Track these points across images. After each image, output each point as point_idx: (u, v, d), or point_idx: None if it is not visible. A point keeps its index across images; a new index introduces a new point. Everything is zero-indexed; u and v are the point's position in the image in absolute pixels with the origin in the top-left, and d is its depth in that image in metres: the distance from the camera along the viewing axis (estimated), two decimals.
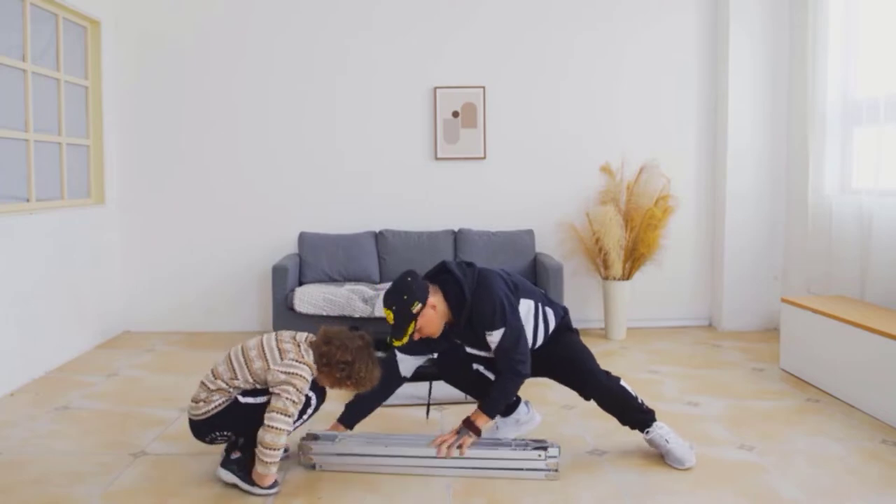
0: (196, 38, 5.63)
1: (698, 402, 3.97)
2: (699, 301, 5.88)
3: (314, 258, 5.35)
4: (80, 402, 4.00)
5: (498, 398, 3.07)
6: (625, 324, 5.50)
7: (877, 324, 3.75)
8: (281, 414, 2.77)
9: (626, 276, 5.46)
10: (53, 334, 4.70)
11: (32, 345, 4.46)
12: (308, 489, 2.90)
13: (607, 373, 3.19)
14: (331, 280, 5.31)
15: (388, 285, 5.15)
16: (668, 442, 3.12)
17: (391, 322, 2.96)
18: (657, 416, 3.21)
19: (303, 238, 5.44)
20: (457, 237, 5.53)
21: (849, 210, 4.63)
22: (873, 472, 3.03)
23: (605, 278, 5.47)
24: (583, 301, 5.72)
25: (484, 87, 5.67)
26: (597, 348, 5.16)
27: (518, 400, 3.37)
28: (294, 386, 2.79)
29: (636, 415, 3.18)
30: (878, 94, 4.43)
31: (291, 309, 4.90)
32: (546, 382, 4.31)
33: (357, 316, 4.84)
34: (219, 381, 2.88)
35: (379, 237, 5.52)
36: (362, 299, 4.90)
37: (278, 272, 4.99)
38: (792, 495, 2.82)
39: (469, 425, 3.01)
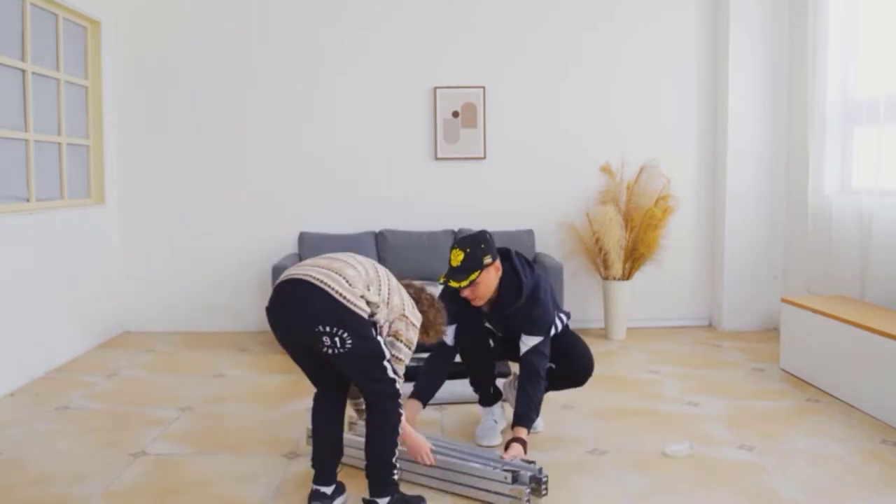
0: (196, 38, 5.62)
1: (698, 402, 3.97)
2: (699, 301, 5.88)
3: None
4: (80, 402, 4.00)
5: (529, 408, 3.12)
6: (625, 324, 5.50)
7: (877, 324, 3.75)
8: (406, 346, 2.68)
9: (626, 276, 5.46)
10: (53, 334, 4.70)
11: (32, 345, 4.46)
12: (308, 489, 2.90)
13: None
14: None
15: None
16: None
17: (457, 263, 3.03)
18: (659, 417, 3.20)
19: (303, 238, 5.44)
20: (456, 236, 5.52)
21: (849, 210, 4.63)
22: (873, 472, 3.03)
23: (605, 278, 5.47)
24: (583, 301, 5.72)
25: (484, 87, 5.67)
26: (597, 348, 5.15)
27: (497, 393, 3.52)
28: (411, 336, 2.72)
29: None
30: (878, 94, 4.42)
31: None
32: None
33: None
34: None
35: (379, 237, 5.52)
36: None
37: (278, 272, 4.99)
38: (792, 495, 2.82)
39: (518, 441, 3.01)
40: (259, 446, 3.35)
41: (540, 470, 2.79)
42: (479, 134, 5.69)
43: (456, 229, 5.60)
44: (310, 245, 5.39)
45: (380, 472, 2.61)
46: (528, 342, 3.16)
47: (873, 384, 3.69)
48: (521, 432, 3.05)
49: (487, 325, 3.35)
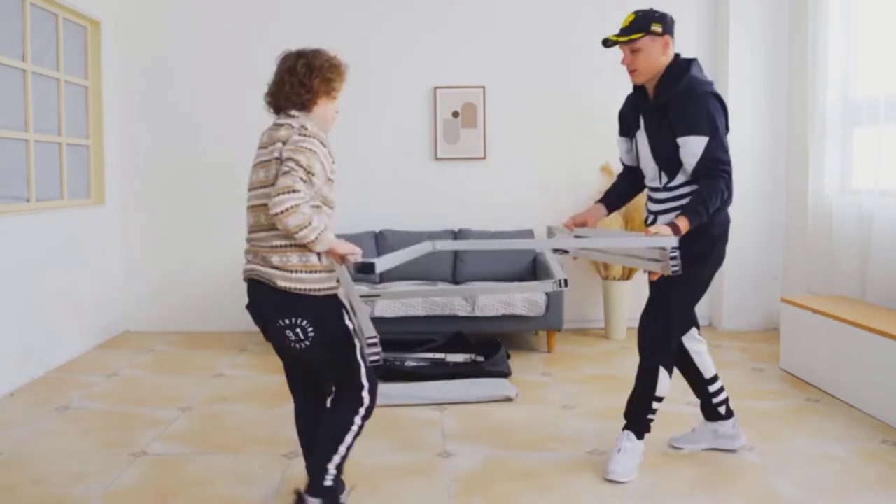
0: (196, 38, 5.62)
1: (698, 402, 3.96)
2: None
3: None
4: (80, 402, 4.00)
5: (695, 203, 2.79)
6: (625, 324, 5.49)
7: (877, 324, 3.75)
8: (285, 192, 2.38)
9: (627, 276, 5.46)
10: (53, 334, 4.70)
11: (32, 345, 4.46)
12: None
13: (666, 355, 3.00)
14: None
15: (387, 286, 5.19)
16: (619, 451, 3.02)
17: (625, 24, 2.90)
18: (659, 417, 3.19)
19: None
20: (457, 237, 5.53)
21: (849, 210, 4.63)
22: (873, 472, 3.03)
23: (606, 278, 5.47)
24: (583, 301, 5.72)
25: (484, 87, 5.67)
26: (597, 348, 5.19)
27: (729, 414, 3.25)
28: (297, 161, 2.46)
29: (638, 413, 3.07)
30: (878, 94, 4.42)
31: None
32: (545, 382, 4.33)
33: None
34: None
35: (379, 237, 5.52)
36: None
37: None
38: (792, 495, 2.82)
39: (671, 225, 2.74)
40: (259, 446, 3.36)
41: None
42: (479, 134, 5.69)
43: (456, 229, 5.60)
44: None
45: (321, 474, 2.48)
46: (688, 149, 2.80)
47: (873, 384, 3.69)
48: (680, 220, 2.75)
49: (646, 145, 3.00)
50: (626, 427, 3.08)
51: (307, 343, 2.46)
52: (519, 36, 5.68)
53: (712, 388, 3.24)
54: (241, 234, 5.88)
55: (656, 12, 2.92)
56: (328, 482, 2.48)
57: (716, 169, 2.80)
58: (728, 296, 5.63)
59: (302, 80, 2.61)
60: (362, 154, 5.70)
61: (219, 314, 5.71)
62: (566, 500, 2.81)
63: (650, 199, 3.10)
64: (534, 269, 5.37)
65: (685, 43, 5.70)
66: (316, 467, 2.51)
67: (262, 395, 4.13)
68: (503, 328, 4.98)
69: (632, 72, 2.96)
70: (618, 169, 5.53)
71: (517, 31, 5.67)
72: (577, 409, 3.85)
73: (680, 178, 2.94)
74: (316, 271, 2.51)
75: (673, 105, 2.88)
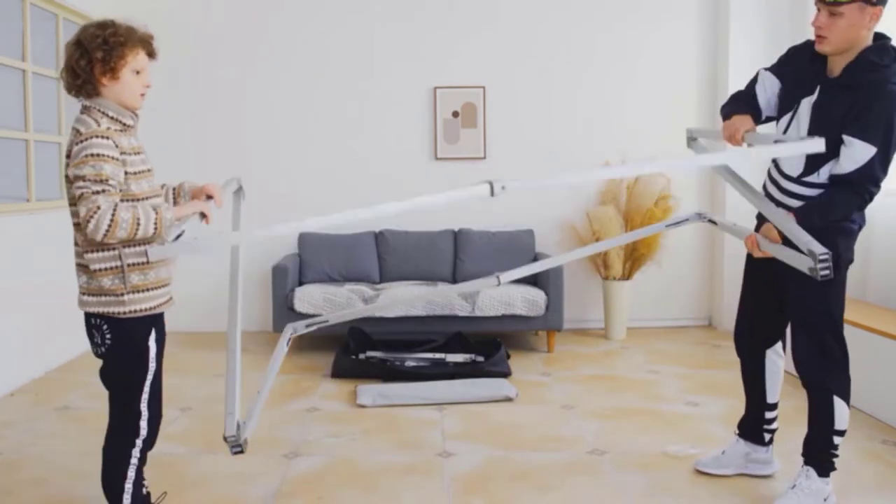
0: (196, 38, 5.62)
1: (698, 402, 3.97)
2: (699, 301, 5.88)
3: (314, 258, 5.35)
4: (80, 402, 4.00)
5: (813, 207, 2.49)
6: (625, 324, 5.50)
7: (877, 324, 3.75)
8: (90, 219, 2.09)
9: (626, 276, 5.46)
10: (53, 334, 4.70)
11: (32, 345, 4.46)
12: (308, 489, 2.90)
13: (838, 380, 2.64)
14: (331, 280, 5.31)
15: (387, 286, 5.19)
16: (793, 488, 2.69)
17: None
18: (659, 417, 3.20)
19: (303, 238, 5.44)
20: (457, 237, 5.53)
21: None
22: (873, 472, 3.03)
23: (605, 278, 5.47)
24: (583, 301, 5.72)
25: (484, 87, 5.67)
26: (597, 348, 5.19)
27: (769, 443, 3.02)
28: (83, 177, 2.13)
29: (817, 451, 2.68)
30: None
31: (291, 309, 4.90)
32: (545, 382, 4.33)
33: (357, 316, 4.84)
34: None
35: (379, 237, 5.52)
36: (362, 299, 4.90)
37: (278, 272, 5.00)
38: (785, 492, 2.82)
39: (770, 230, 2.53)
40: (259, 446, 3.35)
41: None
42: (479, 134, 5.69)
43: (456, 229, 5.60)
44: (310, 245, 5.39)
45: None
46: (853, 149, 2.40)
47: (873, 384, 3.69)
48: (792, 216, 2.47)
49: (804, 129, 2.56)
50: (806, 462, 2.71)
51: (102, 350, 2.26)
52: (519, 36, 5.68)
53: (769, 415, 3.02)
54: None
55: None
56: None
57: (863, 186, 2.45)
58: (728, 295, 5.63)
59: (71, 64, 2.18)
60: (362, 154, 5.70)
61: (219, 314, 5.68)
62: (566, 500, 2.81)
63: (775, 183, 2.69)
64: None
65: (685, 42, 5.72)
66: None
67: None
68: (503, 328, 4.98)
69: (820, 37, 2.45)
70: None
71: (517, 31, 5.67)
72: (576, 409, 3.86)
73: (822, 176, 2.52)
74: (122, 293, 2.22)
75: (858, 95, 2.42)
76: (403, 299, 4.88)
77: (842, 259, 2.53)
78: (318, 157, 5.69)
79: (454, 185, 5.74)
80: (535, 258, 5.42)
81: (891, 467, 3.08)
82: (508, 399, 3.97)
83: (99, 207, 2.06)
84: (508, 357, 4.68)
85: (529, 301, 4.90)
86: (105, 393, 2.36)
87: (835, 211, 2.49)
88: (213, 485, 2.94)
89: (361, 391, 4.02)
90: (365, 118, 5.69)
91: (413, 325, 4.90)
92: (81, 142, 2.15)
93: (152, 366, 2.30)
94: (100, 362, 2.34)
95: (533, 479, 2.98)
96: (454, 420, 3.69)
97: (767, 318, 2.93)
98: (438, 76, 5.68)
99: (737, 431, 3.08)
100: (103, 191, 2.10)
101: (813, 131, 2.51)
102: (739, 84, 5.46)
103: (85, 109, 2.24)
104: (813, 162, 2.51)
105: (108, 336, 2.24)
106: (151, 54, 2.43)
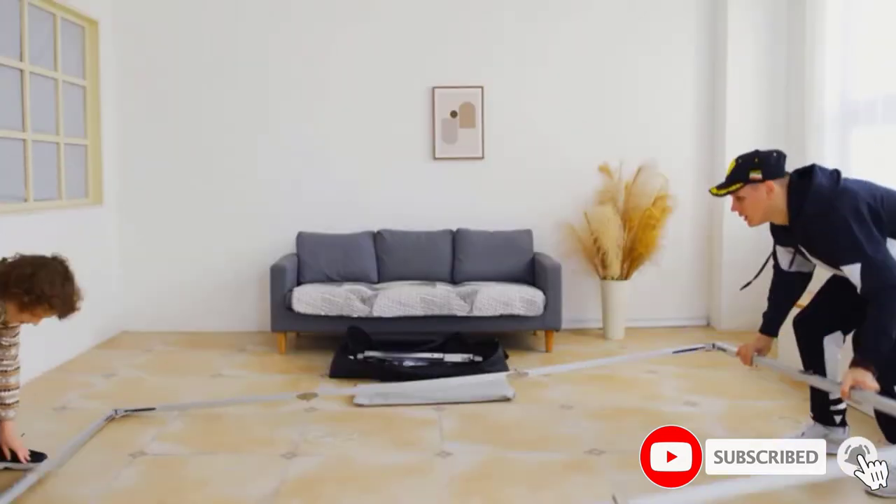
0: (194, 37, 5.62)
1: (697, 402, 3.98)
2: (697, 301, 5.88)
3: (313, 258, 5.35)
4: (78, 402, 3.99)
5: (872, 339, 2.63)
6: (623, 324, 5.50)
7: None
8: None
9: (625, 275, 5.47)
10: (51, 334, 4.67)
11: (30, 345, 4.44)
12: (308, 489, 2.90)
13: None
14: (329, 280, 5.30)
15: (386, 285, 5.19)
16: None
17: (728, 173, 2.86)
18: (657, 417, 3.20)
19: (301, 238, 5.44)
20: (455, 237, 5.53)
21: None
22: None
23: (604, 278, 5.47)
24: (581, 301, 5.72)
25: (482, 87, 5.67)
26: (595, 348, 5.19)
27: (843, 423, 3.11)
28: None
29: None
30: (875, 95, 4.43)
31: (290, 309, 4.90)
32: (543, 382, 4.33)
33: (355, 316, 4.85)
34: None
35: (377, 237, 5.52)
36: (360, 299, 4.90)
37: (277, 272, 4.99)
38: (791, 495, 2.82)
39: (856, 373, 2.62)
40: (258, 446, 3.35)
41: None
42: (477, 134, 5.69)
43: (454, 229, 5.60)
44: (308, 245, 5.39)
45: None
46: (848, 274, 2.66)
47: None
48: (867, 365, 2.60)
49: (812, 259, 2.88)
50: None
51: None
52: (517, 36, 5.68)
53: (832, 395, 3.06)
54: (240, 234, 5.92)
55: (756, 156, 2.83)
56: None
57: (883, 292, 2.59)
58: (726, 295, 5.64)
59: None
60: (360, 154, 5.70)
61: (218, 314, 5.70)
62: (565, 500, 2.81)
63: None
64: (532, 269, 5.37)
65: (684, 43, 5.72)
66: None
67: (261, 395, 4.13)
68: (501, 328, 4.98)
69: (741, 216, 2.88)
70: (616, 168, 5.60)
71: (515, 31, 5.67)
72: (575, 408, 3.86)
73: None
74: None
75: (813, 230, 2.75)
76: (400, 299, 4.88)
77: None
78: (316, 157, 5.68)
79: (453, 185, 5.76)
80: (534, 258, 5.42)
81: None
82: (506, 399, 3.97)
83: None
84: (506, 357, 4.68)
85: (528, 301, 4.90)
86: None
87: (888, 327, 2.61)
88: (212, 485, 2.94)
89: (360, 391, 4.02)
90: (363, 118, 5.68)
91: (411, 325, 4.90)
92: None
93: None
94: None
95: (531, 479, 2.98)
96: (452, 420, 3.69)
97: (835, 309, 3.03)
98: (436, 76, 5.68)
99: (811, 415, 3.17)
100: None
101: (824, 262, 2.85)
102: (738, 85, 5.49)
103: None
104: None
105: None
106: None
